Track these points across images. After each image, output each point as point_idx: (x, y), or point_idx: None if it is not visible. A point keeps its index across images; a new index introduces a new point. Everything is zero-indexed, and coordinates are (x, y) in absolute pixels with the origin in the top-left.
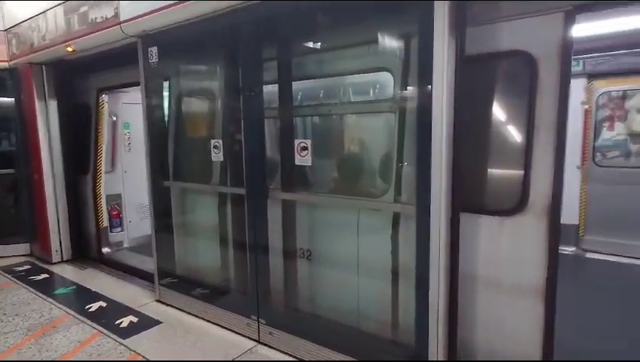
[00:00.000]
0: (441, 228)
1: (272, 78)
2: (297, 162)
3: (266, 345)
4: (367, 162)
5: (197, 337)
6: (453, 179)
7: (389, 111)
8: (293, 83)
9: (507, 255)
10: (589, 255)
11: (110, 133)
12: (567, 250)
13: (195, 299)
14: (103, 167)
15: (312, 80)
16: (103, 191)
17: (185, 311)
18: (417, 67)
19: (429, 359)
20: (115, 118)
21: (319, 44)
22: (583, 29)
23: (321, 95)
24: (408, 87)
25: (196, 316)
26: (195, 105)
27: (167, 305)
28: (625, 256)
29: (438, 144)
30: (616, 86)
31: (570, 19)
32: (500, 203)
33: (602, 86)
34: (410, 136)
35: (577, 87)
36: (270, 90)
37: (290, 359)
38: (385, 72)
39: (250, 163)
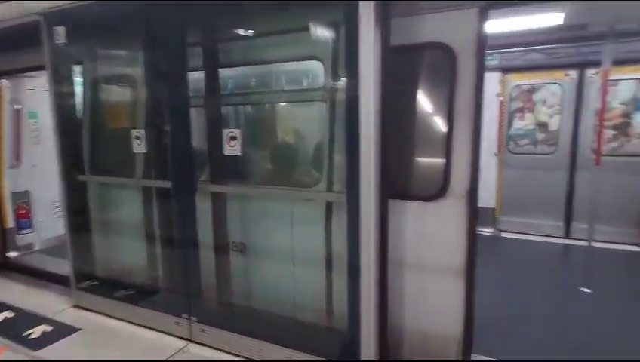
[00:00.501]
0: (371, 214)
1: (197, 64)
2: (227, 152)
3: (198, 343)
4: (300, 152)
5: (122, 341)
6: (381, 167)
7: (320, 101)
8: (220, 70)
9: (432, 237)
10: (504, 234)
11: (13, 124)
12: (485, 230)
13: (118, 301)
14: (5, 161)
15: (241, 67)
16: (5, 189)
17: (108, 316)
18: (345, 57)
19: (362, 342)
20: (17, 107)
21: (247, 29)
22: (499, 25)
23: (251, 83)
24: (338, 77)
25: (121, 319)
26: (113, 93)
27: (87, 310)
28: (533, 234)
29: (366, 133)
30: (525, 80)
31: (484, 14)
32: (424, 189)
33: (514, 80)
34: (341, 125)
35: (493, 80)
36: (197, 77)
37: (225, 355)
38: (315, 61)
39: (175, 154)
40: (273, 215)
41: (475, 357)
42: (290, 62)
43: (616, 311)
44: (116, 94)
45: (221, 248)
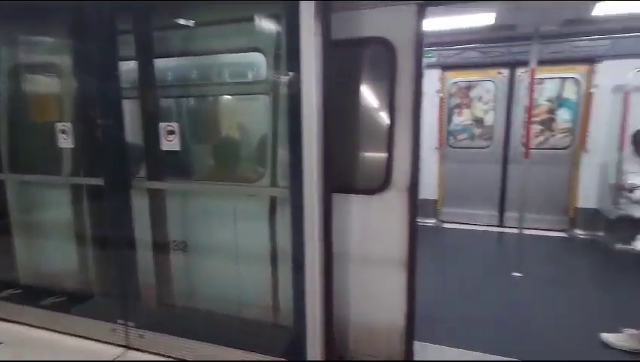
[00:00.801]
0: (314, 209)
1: (131, 53)
2: (164, 147)
3: (137, 349)
4: (243, 146)
5: (50, 354)
6: (324, 161)
7: (263, 94)
8: (156, 60)
9: (375, 230)
10: (445, 225)
11: None
12: (429, 221)
13: (45, 310)
14: None
15: (179, 58)
16: None
17: (33, 326)
18: (286, 50)
19: (308, 337)
20: None
21: (183, 18)
22: (437, 24)
23: (191, 75)
24: (280, 70)
25: (49, 330)
26: (36, 83)
27: (8, 321)
28: (472, 224)
29: (308, 127)
30: (463, 77)
31: (422, 11)
32: (368, 182)
33: (452, 77)
34: (285, 120)
35: (433, 77)
36: (132, 67)
37: (165, 360)
38: (257, 53)
39: (107, 149)
40: (216, 211)
41: (417, 344)
42: (232, 54)
43: (544, 292)
44: (39, 84)
45: (160, 248)
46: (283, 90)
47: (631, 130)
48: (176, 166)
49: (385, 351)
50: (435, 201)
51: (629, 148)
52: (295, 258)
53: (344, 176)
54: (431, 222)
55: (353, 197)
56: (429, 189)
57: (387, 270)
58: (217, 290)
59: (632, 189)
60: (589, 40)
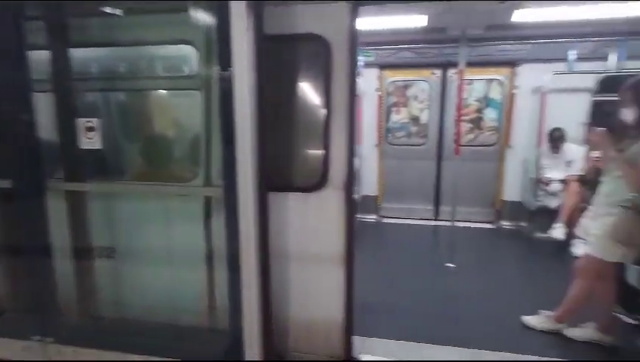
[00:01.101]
0: (250, 208)
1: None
2: (83, 145)
3: None
4: (174, 144)
5: None
6: (259, 159)
7: (195, 89)
8: (74, 50)
9: (313, 228)
10: (385, 220)
11: None
12: (369, 217)
13: None
14: None
15: (101, 49)
16: None
17: None
18: (217, 43)
19: (245, 339)
20: None
21: (104, 5)
22: (374, 23)
23: (116, 68)
24: (212, 64)
25: None
26: None
27: None
28: (410, 218)
29: (242, 123)
30: (399, 77)
31: (356, 9)
32: (305, 180)
33: (390, 76)
34: (218, 116)
35: (372, 76)
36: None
37: None
38: (188, 46)
39: (15, 148)
40: (147, 214)
41: (356, 339)
42: (162, 47)
43: (473, 280)
44: None
45: (82, 255)
46: (216, 86)
47: (547, 128)
48: (100, 166)
49: (324, 347)
50: (375, 197)
51: (545, 145)
52: (230, 258)
53: (281, 175)
54: (371, 218)
55: (290, 195)
56: (369, 186)
57: (325, 267)
58: (150, 298)
59: (548, 183)
60: (511, 44)
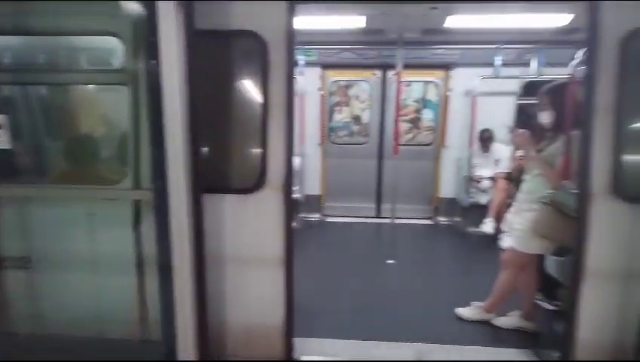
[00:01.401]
0: (182, 211)
1: None
2: None
3: None
4: (100, 142)
5: None
6: (192, 159)
7: (121, 84)
8: None
9: (251, 230)
10: (329, 219)
11: None
12: (313, 216)
13: None
14: None
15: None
16: None
17: None
18: (145, 36)
19: (179, 347)
20: None
21: None
22: (316, 23)
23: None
24: (139, 58)
25: None
26: None
27: None
28: (353, 216)
29: (173, 122)
30: (341, 76)
31: (292, 7)
32: (242, 181)
33: (332, 76)
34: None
35: (314, 76)
36: None
37: None
38: (113, 38)
39: None
40: (69, 219)
41: (297, 340)
42: (84, 38)
43: (413, 276)
44: None
45: None
46: (144, 81)
47: (478, 129)
48: (10, 167)
49: (264, 350)
50: (318, 196)
51: (476, 144)
52: (162, 264)
53: (216, 176)
54: (315, 216)
55: (227, 197)
56: (312, 185)
57: (264, 269)
58: (73, 310)
59: (479, 180)
60: (445, 49)
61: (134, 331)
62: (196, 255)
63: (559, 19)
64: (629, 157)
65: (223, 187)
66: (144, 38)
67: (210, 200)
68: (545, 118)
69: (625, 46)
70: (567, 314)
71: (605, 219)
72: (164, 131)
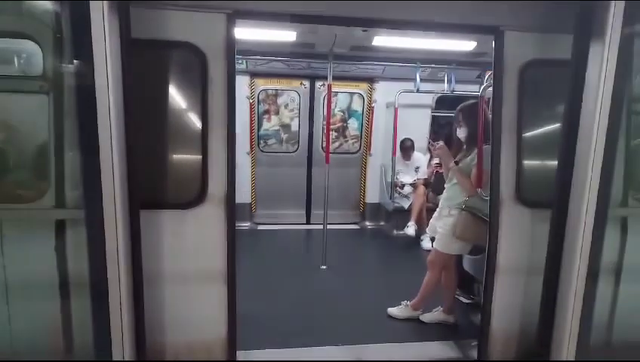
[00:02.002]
0: (118, 229)
1: None
2: None
3: None
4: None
5: None
6: (128, 174)
7: (40, 93)
8: None
9: (192, 246)
10: (260, 227)
11: None
12: (244, 225)
13: None
14: None
15: None
16: None
17: None
18: (73, 44)
19: None
20: None
21: None
22: (248, 33)
23: None
24: (63, 65)
25: None
26: None
27: None
28: (284, 223)
29: (106, 134)
30: (271, 85)
31: (232, 21)
32: (182, 196)
33: (261, 84)
34: (72, 125)
35: (243, 84)
36: None
37: None
38: (30, 42)
39: None
40: None
41: (240, 353)
42: None
43: (345, 280)
44: None
45: None
46: (70, 89)
47: (399, 138)
48: None
49: None
50: (249, 205)
51: (398, 153)
52: (95, 285)
53: (155, 191)
54: (246, 225)
55: (166, 212)
56: (243, 193)
57: (206, 284)
58: None
59: (402, 186)
60: (370, 64)
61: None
62: (133, 274)
63: (467, 45)
64: (529, 170)
65: (162, 202)
66: (73, 42)
67: (147, 217)
68: (460, 133)
69: (524, 74)
70: (483, 307)
71: (511, 221)
72: (97, 143)
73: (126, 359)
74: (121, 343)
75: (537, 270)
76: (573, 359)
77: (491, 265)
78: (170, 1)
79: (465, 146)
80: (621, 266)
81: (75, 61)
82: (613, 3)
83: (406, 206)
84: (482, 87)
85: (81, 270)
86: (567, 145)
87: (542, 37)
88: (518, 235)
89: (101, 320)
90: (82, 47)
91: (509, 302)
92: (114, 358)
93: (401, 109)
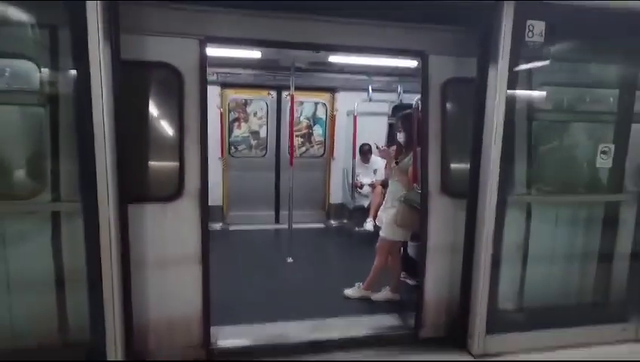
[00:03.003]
0: (110, 220)
1: None
2: None
3: None
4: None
5: None
6: (118, 176)
7: (37, 105)
8: None
9: (171, 234)
10: (231, 227)
11: None
12: (216, 226)
13: None
14: None
15: None
16: None
17: None
18: (72, 63)
19: (108, 347)
20: None
21: None
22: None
23: None
24: (60, 82)
25: None
26: None
27: None
28: (254, 224)
29: (101, 141)
30: (240, 95)
31: (203, 45)
32: (162, 191)
33: (231, 94)
34: (67, 132)
35: (214, 94)
36: None
37: None
38: (26, 61)
39: None
40: None
41: (213, 328)
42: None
43: (308, 269)
44: None
45: None
46: (65, 103)
47: (358, 143)
48: None
49: (185, 338)
50: (221, 207)
51: (358, 156)
52: (90, 273)
53: (140, 188)
54: (218, 226)
55: (149, 205)
56: (215, 196)
57: (184, 268)
58: None
59: (361, 186)
60: (329, 77)
61: (54, 340)
62: (122, 259)
63: (410, 62)
64: (450, 167)
65: (146, 197)
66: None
67: (133, 210)
68: (400, 138)
69: (445, 90)
70: (418, 282)
71: (438, 209)
72: (92, 147)
73: (117, 335)
74: (112, 321)
75: (459, 248)
76: (485, 319)
77: (423, 246)
78: (153, 28)
79: (404, 149)
80: (527, 241)
81: (72, 77)
82: (502, 34)
83: (365, 204)
84: (415, 100)
85: (75, 256)
86: (476, 146)
87: (457, 60)
88: (443, 220)
89: (96, 302)
90: (80, 66)
91: (438, 277)
92: (107, 334)
93: (360, 117)
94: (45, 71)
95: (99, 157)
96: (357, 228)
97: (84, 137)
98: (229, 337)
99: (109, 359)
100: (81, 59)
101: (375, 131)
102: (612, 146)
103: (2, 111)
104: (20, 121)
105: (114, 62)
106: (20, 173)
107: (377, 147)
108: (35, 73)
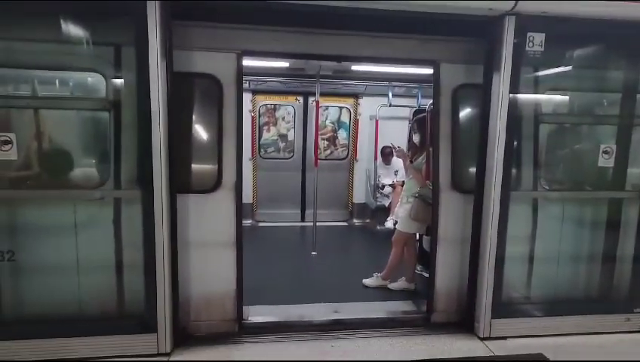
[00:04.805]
0: (163, 207)
1: None
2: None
3: None
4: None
5: None
6: (170, 168)
7: (103, 110)
8: None
9: (211, 220)
10: (260, 224)
11: None
12: (246, 222)
13: None
14: None
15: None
16: None
17: None
18: (135, 77)
19: (158, 317)
20: None
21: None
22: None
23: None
24: (124, 91)
25: None
26: None
27: None
28: (281, 221)
29: (157, 140)
30: (269, 101)
31: (240, 57)
32: (204, 184)
33: (261, 100)
34: (127, 133)
35: (246, 100)
36: None
37: None
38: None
39: None
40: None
41: (245, 307)
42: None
43: (331, 261)
44: None
45: None
46: (127, 109)
47: (380, 146)
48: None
49: (220, 314)
50: (251, 205)
51: (379, 158)
52: (146, 251)
53: (186, 180)
54: (248, 222)
55: (193, 195)
56: (245, 195)
57: (221, 250)
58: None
59: (382, 187)
60: (352, 84)
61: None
62: (171, 241)
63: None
64: (459, 165)
65: (190, 188)
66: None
67: (180, 199)
68: (415, 138)
69: (455, 95)
70: (430, 271)
71: (448, 204)
72: (150, 145)
73: (166, 306)
74: (163, 294)
75: (468, 239)
76: (490, 306)
77: (435, 237)
78: (198, 44)
79: (418, 149)
80: (534, 233)
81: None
82: (504, 44)
83: (386, 204)
84: (429, 104)
85: (132, 236)
86: (482, 145)
87: (467, 67)
88: (453, 214)
89: (150, 277)
90: (141, 78)
91: (448, 266)
92: (158, 306)
93: (382, 121)
94: (110, 82)
95: (155, 154)
96: (378, 227)
97: (145, 138)
98: (259, 314)
99: (159, 328)
100: (142, 72)
101: (396, 134)
102: (614, 146)
103: (75, 115)
104: (89, 123)
105: (168, 74)
106: (89, 167)
107: (393, 147)
108: (102, 84)
